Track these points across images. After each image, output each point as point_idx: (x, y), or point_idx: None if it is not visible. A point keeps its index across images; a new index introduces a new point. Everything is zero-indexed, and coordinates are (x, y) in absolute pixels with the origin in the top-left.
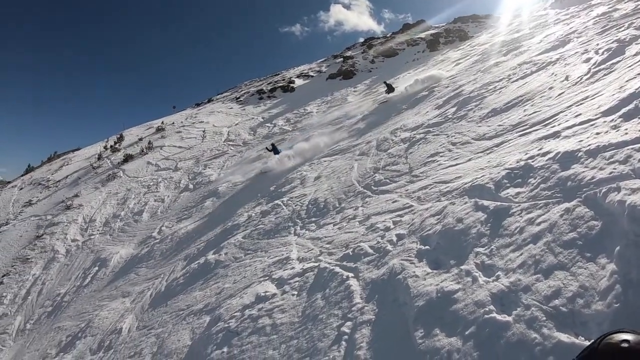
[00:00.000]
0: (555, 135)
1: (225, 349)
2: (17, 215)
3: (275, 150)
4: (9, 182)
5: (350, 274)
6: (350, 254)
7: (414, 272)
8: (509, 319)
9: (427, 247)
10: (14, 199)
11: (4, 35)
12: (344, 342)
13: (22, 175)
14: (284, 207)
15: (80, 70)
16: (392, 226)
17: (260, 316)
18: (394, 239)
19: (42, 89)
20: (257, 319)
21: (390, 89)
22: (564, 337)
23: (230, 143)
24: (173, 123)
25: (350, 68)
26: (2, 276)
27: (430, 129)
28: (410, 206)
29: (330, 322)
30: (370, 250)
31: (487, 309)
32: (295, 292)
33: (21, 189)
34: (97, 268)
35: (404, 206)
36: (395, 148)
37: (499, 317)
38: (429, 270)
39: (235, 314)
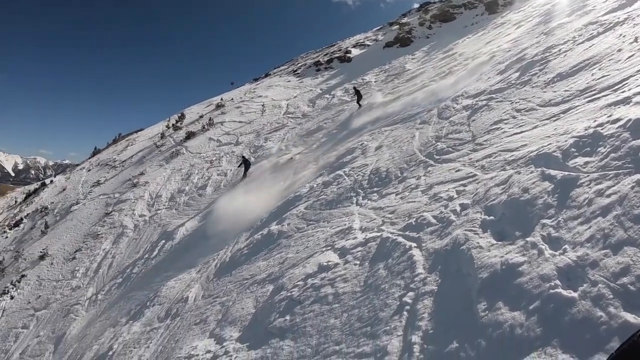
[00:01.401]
0: (626, 101)
1: (287, 317)
2: (87, 194)
3: (246, 164)
4: (78, 165)
5: (413, 244)
6: (413, 223)
7: (478, 243)
8: (575, 295)
9: (491, 217)
10: (83, 180)
11: (72, 33)
12: (405, 313)
13: (89, 158)
14: (345, 177)
15: (140, 54)
16: (455, 196)
17: (323, 285)
18: (458, 208)
19: (105, 74)
20: (319, 288)
21: (359, 96)
22: (630, 317)
23: (290, 116)
24: (232, 99)
25: (407, 35)
26: (75, 252)
27: (493, 96)
28: (474, 175)
29: (392, 292)
30: (434, 220)
31: (552, 284)
32: (358, 262)
33: (89, 170)
34: (163, 241)
35: (468, 175)
36: (457, 116)
37: (564, 292)
38: (494, 242)
39: (298, 283)
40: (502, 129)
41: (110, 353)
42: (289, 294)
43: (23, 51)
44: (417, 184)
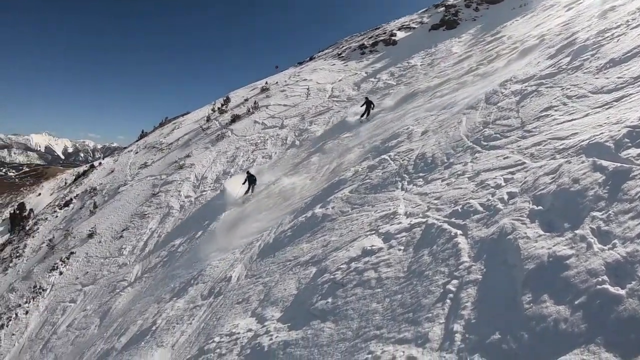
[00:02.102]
0: None
1: (330, 300)
2: (134, 176)
3: (251, 180)
4: (125, 148)
5: (459, 231)
6: (459, 210)
7: (526, 233)
8: (622, 292)
9: (540, 207)
10: (130, 162)
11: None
12: (448, 300)
13: (136, 141)
14: (391, 161)
15: (186, 40)
16: (503, 183)
17: (366, 269)
18: (505, 197)
19: (151, 60)
20: (362, 272)
21: (368, 108)
22: None
23: (335, 99)
24: (277, 82)
25: (453, 17)
26: (122, 230)
27: (543, 81)
28: (523, 163)
29: (436, 279)
30: (480, 208)
31: (600, 279)
32: (402, 247)
33: (137, 152)
34: (208, 221)
35: (516, 163)
36: (506, 101)
37: (611, 289)
38: (541, 232)
39: (341, 266)
40: (552, 116)
41: (154, 328)
42: (332, 277)
43: (72, 39)
44: (463, 170)
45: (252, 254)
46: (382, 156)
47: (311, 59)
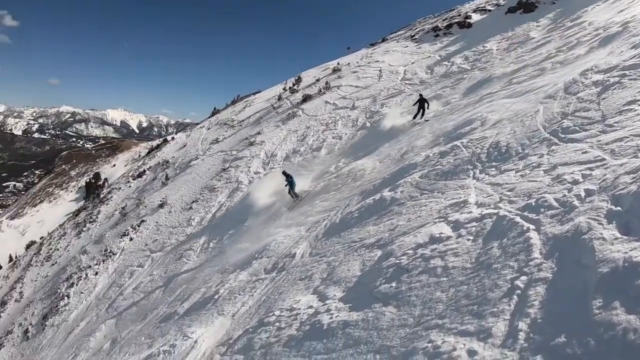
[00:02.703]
0: None
1: (393, 284)
2: (206, 151)
3: (290, 181)
4: (197, 124)
5: (531, 226)
6: (533, 204)
7: (602, 234)
8: None
9: (618, 208)
10: (202, 137)
11: None
12: (515, 297)
13: (209, 117)
14: (463, 148)
15: (256, 20)
16: (580, 179)
17: (433, 257)
18: (582, 194)
19: (223, 40)
20: (428, 259)
21: (422, 107)
22: None
23: (407, 82)
24: (349, 63)
25: (531, 0)
26: (192, 202)
27: (627, 72)
28: (602, 159)
29: (504, 273)
30: (555, 203)
31: None
32: (471, 237)
33: (209, 128)
34: (275, 198)
35: (595, 159)
36: (586, 92)
37: None
38: (618, 235)
39: (408, 251)
40: (635, 110)
41: (216, 297)
42: (397, 261)
43: (147, 18)
44: (539, 163)
45: (317, 233)
46: (454, 142)
47: (383, 40)
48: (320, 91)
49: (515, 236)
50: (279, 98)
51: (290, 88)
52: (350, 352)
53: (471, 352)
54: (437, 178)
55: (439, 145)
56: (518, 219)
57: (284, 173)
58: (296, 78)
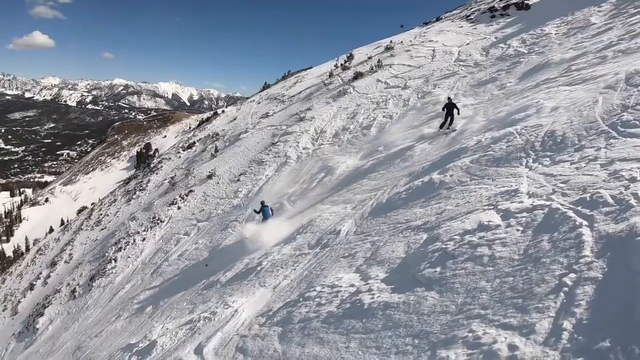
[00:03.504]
0: None
1: (438, 269)
2: (255, 125)
3: (263, 211)
4: (248, 98)
5: (584, 222)
6: (587, 199)
7: None
8: None
9: None
10: (252, 111)
11: None
12: (562, 294)
13: (259, 92)
14: (516, 135)
15: None
16: (638, 177)
17: (480, 245)
18: None
19: (275, 15)
20: (475, 247)
21: (450, 114)
22: None
23: (461, 63)
24: (401, 42)
25: None
26: (240, 174)
27: None
28: None
29: (553, 268)
30: (611, 200)
31: None
32: (521, 228)
33: (259, 103)
34: (323, 174)
35: None
36: None
37: None
38: None
39: (454, 237)
40: None
41: (259, 268)
42: (443, 246)
43: None
44: (595, 156)
45: (363, 212)
46: (508, 129)
47: (437, 19)
48: (372, 69)
49: (567, 231)
50: (330, 75)
51: (341, 65)
52: (389, 334)
53: (512, 347)
54: (488, 164)
55: (492, 131)
56: (571, 213)
57: (261, 203)
58: (348, 55)
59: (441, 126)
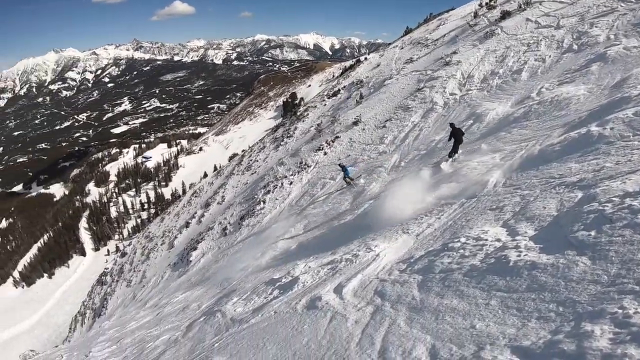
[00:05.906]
0: None
1: (592, 233)
2: (399, 70)
3: (344, 169)
4: (390, 44)
5: None
6: None
7: None
8: None
9: None
10: (396, 57)
11: None
12: None
13: (401, 37)
14: None
15: None
16: None
17: None
18: None
19: None
20: (636, 213)
21: (457, 140)
22: None
23: None
24: None
25: None
26: (385, 121)
27: None
28: None
29: None
30: None
31: None
32: None
33: (402, 48)
34: (471, 121)
35: None
36: None
37: None
38: None
39: (613, 198)
40: None
41: (402, 216)
42: (600, 208)
43: None
44: None
45: (513, 163)
46: None
47: None
48: (520, 7)
49: None
50: (475, 15)
51: (486, 4)
52: (532, 296)
53: None
54: None
55: None
56: None
57: (340, 165)
58: None
59: (449, 155)
